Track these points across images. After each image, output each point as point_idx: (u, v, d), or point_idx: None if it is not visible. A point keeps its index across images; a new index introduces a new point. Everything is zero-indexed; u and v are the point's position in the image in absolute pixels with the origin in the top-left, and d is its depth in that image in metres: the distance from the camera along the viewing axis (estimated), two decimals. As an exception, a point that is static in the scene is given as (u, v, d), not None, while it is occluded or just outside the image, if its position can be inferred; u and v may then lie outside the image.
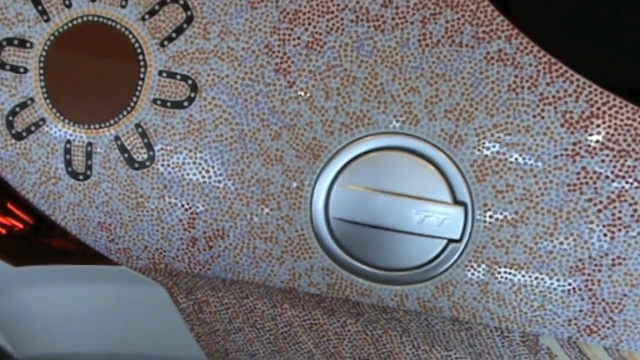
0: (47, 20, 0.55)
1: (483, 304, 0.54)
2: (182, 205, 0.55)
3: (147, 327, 0.63)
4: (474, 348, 0.58)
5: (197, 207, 0.55)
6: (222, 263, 0.56)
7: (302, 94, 0.53)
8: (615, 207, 0.51)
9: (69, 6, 0.55)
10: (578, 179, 0.51)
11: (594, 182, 0.51)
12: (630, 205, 0.51)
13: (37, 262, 0.61)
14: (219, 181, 0.54)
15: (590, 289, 0.52)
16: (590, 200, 0.51)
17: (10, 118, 0.55)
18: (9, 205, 0.58)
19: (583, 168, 0.51)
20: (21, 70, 0.55)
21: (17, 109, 0.55)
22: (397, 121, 0.52)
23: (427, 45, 0.52)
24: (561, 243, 0.52)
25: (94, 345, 0.65)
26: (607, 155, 0.51)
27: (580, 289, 0.53)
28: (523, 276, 0.53)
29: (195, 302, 0.60)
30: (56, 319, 0.65)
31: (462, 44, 0.52)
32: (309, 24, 0.53)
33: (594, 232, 0.51)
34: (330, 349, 0.61)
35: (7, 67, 0.55)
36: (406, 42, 0.52)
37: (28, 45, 0.55)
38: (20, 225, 0.59)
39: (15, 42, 0.55)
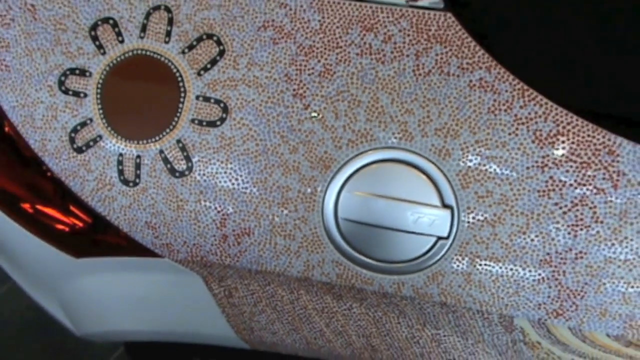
0: (104, 54, 0.65)
1: (467, 290, 0.63)
2: (215, 208, 0.65)
3: (185, 309, 0.73)
4: (459, 327, 0.67)
5: (228, 209, 0.65)
6: (248, 256, 0.66)
7: (316, 114, 0.63)
8: (577, 210, 0.60)
9: (122, 42, 0.65)
10: (546, 186, 0.61)
11: (560, 189, 0.60)
12: (590, 208, 0.60)
13: (94, 254, 0.71)
14: (246, 187, 0.64)
15: (556, 279, 0.62)
16: (556, 204, 0.61)
17: (72, 135, 0.66)
18: (71, 208, 0.69)
19: (550, 177, 0.60)
20: (82, 95, 0.66)
21: (78, 127, 0.66)
22: (395, 137, 0.62)
23: (420, 74, 0.62)
24: (532, 240, 0.61)
25: (141, 324, 0.75)
26: (571, 167, 0.60)
27: (548, 279, 0.62)
28: (500, 267, 0.62)
29: (225, 289, 0.70)
30: (109, 302, 0.75)
31: (450, 74, 0.61)
32: (322, 56, 0.63)
33: (559, 231, 0.61)
34: (338, 328, 0.70)
35: (70, 92, 0.66)
36: (402, 71, 0.62)
37: (88, 74, 0.65)
38: (80, 224, 0.69)
39: (77, 71, 0.66)
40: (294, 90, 0.63)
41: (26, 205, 0.71)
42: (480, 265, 0.62)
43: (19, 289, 0.92)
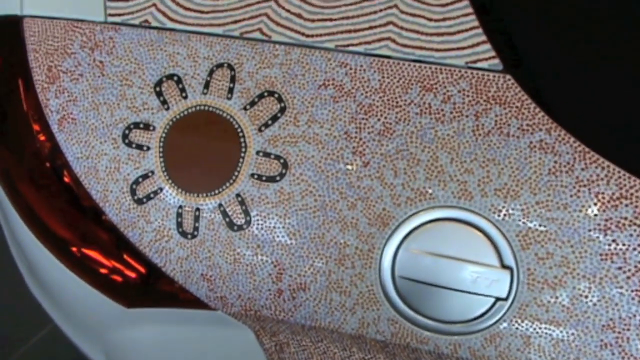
0: (167, 109, 0.67)
1: (526, 354, 0.62)
2: (272, 262, 0.65)
3: (236, 363, 0.73)
4: (518, 392, 0.66)
5: (285, 264, 0.65)
6: (303, 311, 0.66)
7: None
8: (641, 275, 0.59)
9: (185, 97, 0.67)
10: (609, 249, 0.60)
11: (624, 253, 0.60)
12: (655, 273, 0.59)
13: (146, 305, 0.72)
14: (304, 243, 0.64)
15: (620, 345, 0.60)
16: (620, 268, 0.60)
17: (134, 186, 0.67)
18: (126, 257, 0.70)
19: (614, 240, 0.60)
20: (144, 148, 0.67)
21: (140, 179, 0.67)
22: (454, 197, 0.62)
23: (479, 134, 0.62)
24: (594, 304, 0.60)
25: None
26: (635, 230, 0.59)
27: (611, 345, 0.60)
28: (561, 332, 0.61)
29: (277, 344, 0.70)
30: (158, 353, 0.75)
31: (509, 135, 0.62)
32: (381, 115, 0.64)
33: (623, 296, 0.60)
34: (393, 389, 0.70)
35: (134, 145, 0.67)
36: (462, 131, 0.62)
37: (151, 128, 0.67)
38: (134, 274, 0.70)
39: (141, 125, 0.67)
40: (353, 147, 0.64)
41: (80, 252, 0.72)
42: (540, 328, 0.61)
43: (59, 332, 0.93)
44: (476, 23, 0.64)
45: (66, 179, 0.69)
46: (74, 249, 0.72)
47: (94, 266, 0.72)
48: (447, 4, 0.65)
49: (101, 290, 0.73)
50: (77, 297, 0.76)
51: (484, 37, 0.64)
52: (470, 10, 0.65)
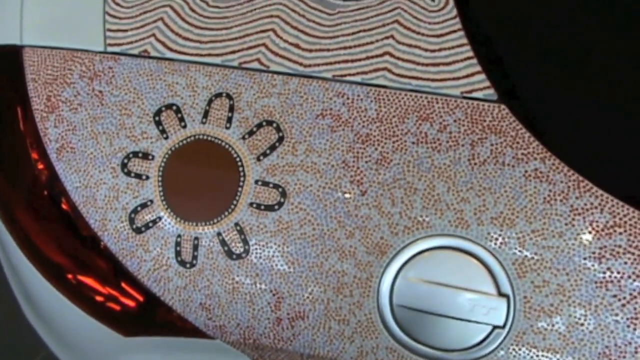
0: (166, 138, 0.68)
1: (524, 382, 0.63)
2: (271, 291, 0.65)
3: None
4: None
5: (283, 293, 0.65)
6: (301, 340, 0.66)
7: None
8: (637, 302, 0.60)
9: (184, 127, 0.67)
10: (604, 277, 0.61)
11: (618, 281, 0.60)
12: (650, 301, 0.60)
13: (144, 334, 0.71)
14: (302, 271, 0.65)
15: (616, 372, 0.61)
16: (615, 296, 0.60)
17: (132, 215, 0.67)
18: (124, 286, 0.70)
19: (608, 268, 0.61)
20: (143, 177, 0.68)
21: (139, 208, 0.67)
22: (451, 225, 0.63)
23: (475, 163, 0.63)
24: (591, 332, 0.61)
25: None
26: (629, 258, 0.60)
27: (608, 372, 0.61)
28: (558, 359, 0.62)
29: (275, 372, 0.70)
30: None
31: (505, 163, 0.63)
32: (379, 144, 0.64)
33: (619, 323, 0.60)
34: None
35: (132, 174, 0.68)
36: (458, 160, 0.63)
37: (150, 157, 0.68)
38: (132, 303, 0.70)
39: (140, 154, 0.68)
40: (351, 176, 0.64)
41: (77, 280, 0.72)
42: (538, 356, 0.61)
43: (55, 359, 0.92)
44: (471, 53, 0.66)
45: (64, 208, 0.69)
46: (71, 276, 0.72)
47: (91, 294, 0.72)
48: (442, 35, 0.67)
49: (99, 319, 0.73)
50: (74, 325, 0.76)
51: (478, 68, 0.65)
52: (465, 40, 0.66)
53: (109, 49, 0.70)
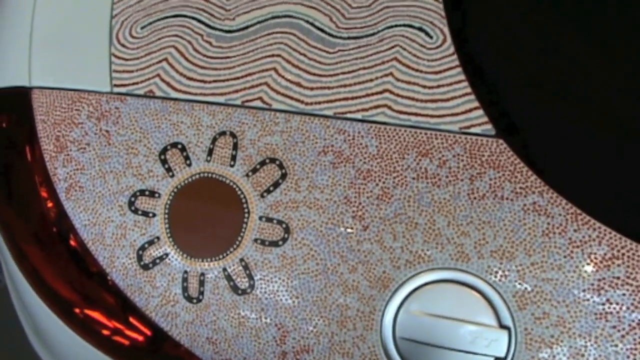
0: (172, 176, 0.69)
1: (527, 413, 0.64)
2: (276, 325, 0.67)
3: None
4: None
5: (288, 327, 0.66)
6: (307, 373, 0.67)
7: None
8: (636, 333, 0.61)
9: (189, 165, 0.69)
10: (603, 309, 0.62)
11: (617, 312, 0.61)
12: (649, 331, 0.61)
13: (152, 367, 0.73)
14: (306, 306, 0.66)
15: (617, 403, 0.62)
16: (614, 327, 0.61)
17: (140, 252, 0.69)
18: (133, 321, 0.71)
19: (607, 300, 0.62)
20: (150, 215, 0.69)
21: (146, 245, 0.69)
22: (452, 259, 0.64)
23: (475, 198, 0.64)
24: (591, 363, 0.62)
25: None
26: (627, 290, 0.61)
27: (609, 403, 0.62)
28: (560, 390, 0.63)
29: (281, 405, 0.71)
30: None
31: (504, 197, 0.64)
32: (380, 180, 0.66)
33: (618, 354, 0.61)
34: None
35: (140, 212, 0.69)
36: (458, 195, 0.65)
37: (157, 195, 0.69)
38: (140, 338, 0.71)
39: (147, 192, 0.69)
40: (353, 212, 0.66)
41: (86, 316, 0.73)
42: (540, 387, 0.62)
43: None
44: (469, 89, 0.67)
45: (73, 245, 0.71)
46: (80, 311, 0.73)
47: (100, 329, 0.73)
48: (440, 72, 0.68)
49: (108, 353, 0.74)
50: (82, 359, 0.77)
51: (476, 103, 0.66)
52: (462, 77, 0.68)
53: (116, 89, 0.72)
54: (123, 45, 0.74)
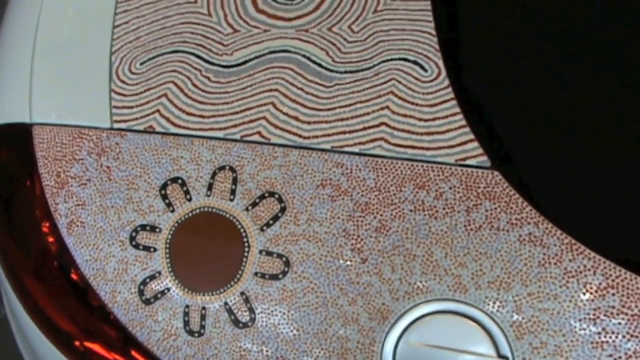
0: (173, 211, 0.70)
1: None
2: (277, 357, 0.67)
3: None
4: None
5: (289, 359, 0.67)
6: (308, 405, 0.68)
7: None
8: (632, 362, 0.62)
9: (190, 200, 0.70)
10: (599, 338, 0.63)
11: (613, 341, 0.62)
12: (645, 360, 0.62)
13: (154, 400, 0.73)
14: (307, 338, 0.67)
15: None
16: (610, 355, 0.62)
17: (142, 287, 0.70)
18: (134, 355, 0.71)
19: (603, 329, 0.63)
20: (151, 250, 0.70)
21: (147, 280, 0.70)
22: (450, 290, 0.65)
23: (471, 229, 0.65)
24: (589, 392, 0.63)
25: None
26: (623, 319, 0.62)
27: None
28: (559, 419, 0.63)
29: None
30: None
31: (500, 228, 0.65)
32: (377, 212, 0.67)
33: (616, 383, 0.62)
34: None
35: (141, 247, 0.70)
36: (455, 226, 0.66)
37: (157, 230, 0.70)
38: (143, 371, 0.72)
39: (148, 227, 0.70)
40: (351, 244, 0.67)
41: (87, 349, 0.74)
42: (539, 416, 0.63)
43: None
44: (464, 122, 0.68)
45: (75, 279, 0.72)
46: (80, 344, 0.74)
47: (101, 362, 0.74)
48: (435, 104, 0.69)
49: (109, 386, 0.74)
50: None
51: (471, 136, 0.68)
52: (457, 109, 0.69)
53: (116, 125, 0.73)
54: (123, 82, 0.75)
